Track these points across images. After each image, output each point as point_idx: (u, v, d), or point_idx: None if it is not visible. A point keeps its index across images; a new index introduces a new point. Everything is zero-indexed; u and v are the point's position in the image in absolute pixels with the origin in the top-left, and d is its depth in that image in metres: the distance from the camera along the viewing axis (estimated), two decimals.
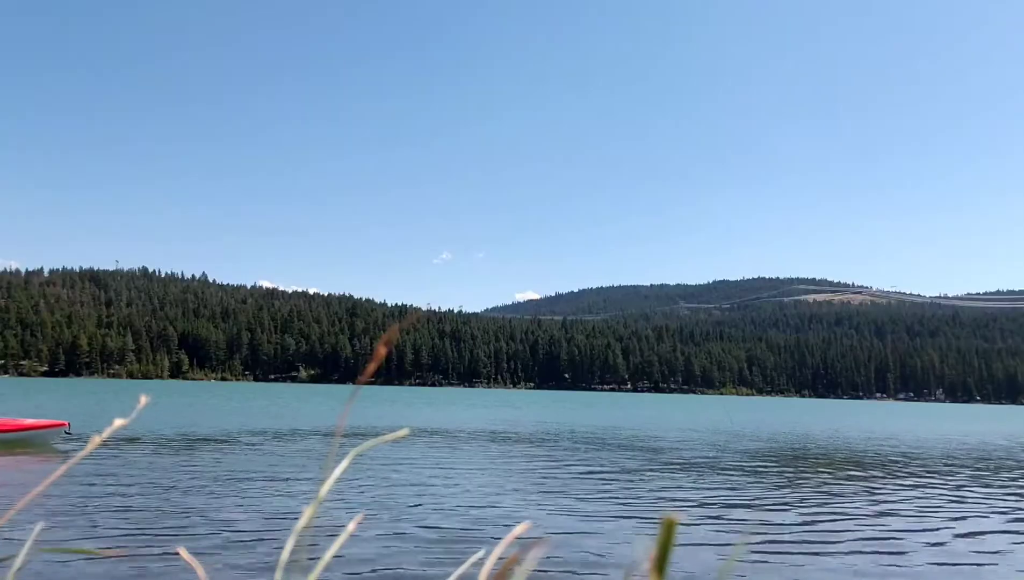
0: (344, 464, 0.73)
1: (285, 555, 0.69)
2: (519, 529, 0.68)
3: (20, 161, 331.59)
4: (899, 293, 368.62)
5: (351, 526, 0.79)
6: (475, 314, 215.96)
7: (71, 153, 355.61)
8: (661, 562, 0.52)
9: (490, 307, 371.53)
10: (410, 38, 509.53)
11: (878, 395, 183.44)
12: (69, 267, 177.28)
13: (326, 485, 0.69)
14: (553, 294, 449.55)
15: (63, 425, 10.95)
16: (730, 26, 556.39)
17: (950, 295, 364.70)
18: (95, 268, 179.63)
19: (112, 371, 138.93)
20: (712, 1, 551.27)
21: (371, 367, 0.71)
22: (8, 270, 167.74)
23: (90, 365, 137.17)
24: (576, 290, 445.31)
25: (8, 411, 18.18)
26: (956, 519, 6.70)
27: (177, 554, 4.53)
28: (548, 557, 4.66)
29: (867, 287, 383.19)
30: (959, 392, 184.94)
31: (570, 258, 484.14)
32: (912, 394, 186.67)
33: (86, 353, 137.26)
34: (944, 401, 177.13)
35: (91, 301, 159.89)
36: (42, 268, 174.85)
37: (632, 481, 8.86)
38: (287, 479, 8.23)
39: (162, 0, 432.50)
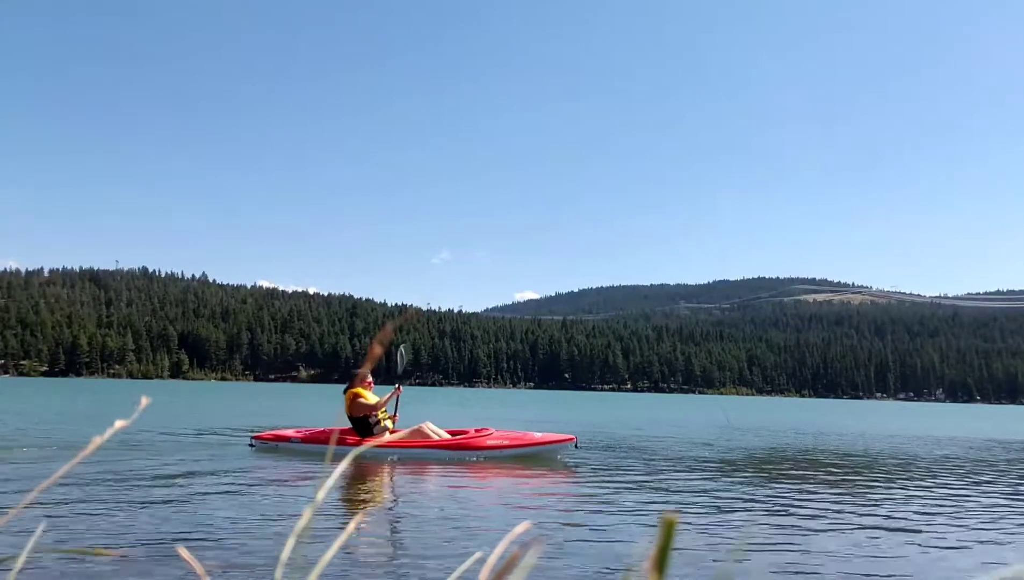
0: (343, 464, 0.73)
1: (285, 554, 0.69)
2: (519, 529, 0.68)
3: (20, 161, 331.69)
4: (899, 293, 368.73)
5: (351, 525, 0.81)
6: (475, 314, 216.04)
7: (71, 153, 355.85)
8: (661, 561, 0.52)
9: (490, 307, 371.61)
10: (410, 38, 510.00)
11: (878, 395, 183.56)
12: (69, 267, 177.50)
13: (325, 485, 0.69)
14: (553, 294, 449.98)
15: (571, 439, 10.93)
16: (729, 27, 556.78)
17: (950, 295, 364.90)
18: (95, 268, 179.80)
19: (112, 371, 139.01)
20: (712, 2, 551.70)
21: (367, 366, 0.72)
22: (8, 270, 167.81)
23: (90, 365, 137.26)
24: (576, 290, 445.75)
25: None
26: (955, 518, 6.69)
27: (177, 554, 4.51)
28: (546, 557, 4.65)
29: (867, 287, 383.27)
30: (959, 392, 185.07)
31: (570, 258, 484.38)
32: (912, 394, 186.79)
33: (86, 353, 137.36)
34: (944, 401, 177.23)
35: (91, 301, 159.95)
36: (42, 268, 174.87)
37: (630, 480, 8.85)
38: (287, 478, 8.21)
39: (162, 0, 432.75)
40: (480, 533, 5.53)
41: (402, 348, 12.00)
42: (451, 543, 5.21)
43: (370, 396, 10.70)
